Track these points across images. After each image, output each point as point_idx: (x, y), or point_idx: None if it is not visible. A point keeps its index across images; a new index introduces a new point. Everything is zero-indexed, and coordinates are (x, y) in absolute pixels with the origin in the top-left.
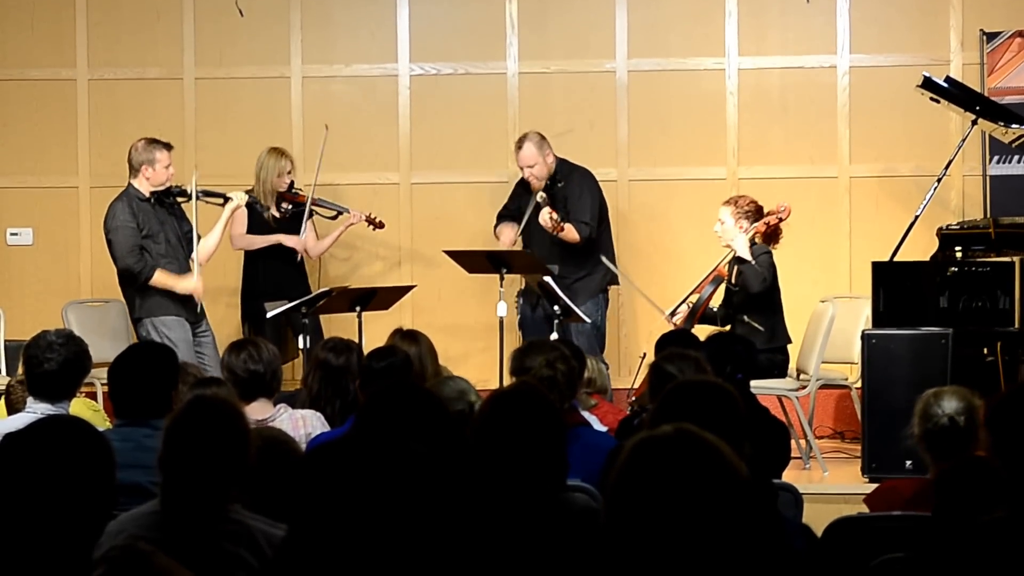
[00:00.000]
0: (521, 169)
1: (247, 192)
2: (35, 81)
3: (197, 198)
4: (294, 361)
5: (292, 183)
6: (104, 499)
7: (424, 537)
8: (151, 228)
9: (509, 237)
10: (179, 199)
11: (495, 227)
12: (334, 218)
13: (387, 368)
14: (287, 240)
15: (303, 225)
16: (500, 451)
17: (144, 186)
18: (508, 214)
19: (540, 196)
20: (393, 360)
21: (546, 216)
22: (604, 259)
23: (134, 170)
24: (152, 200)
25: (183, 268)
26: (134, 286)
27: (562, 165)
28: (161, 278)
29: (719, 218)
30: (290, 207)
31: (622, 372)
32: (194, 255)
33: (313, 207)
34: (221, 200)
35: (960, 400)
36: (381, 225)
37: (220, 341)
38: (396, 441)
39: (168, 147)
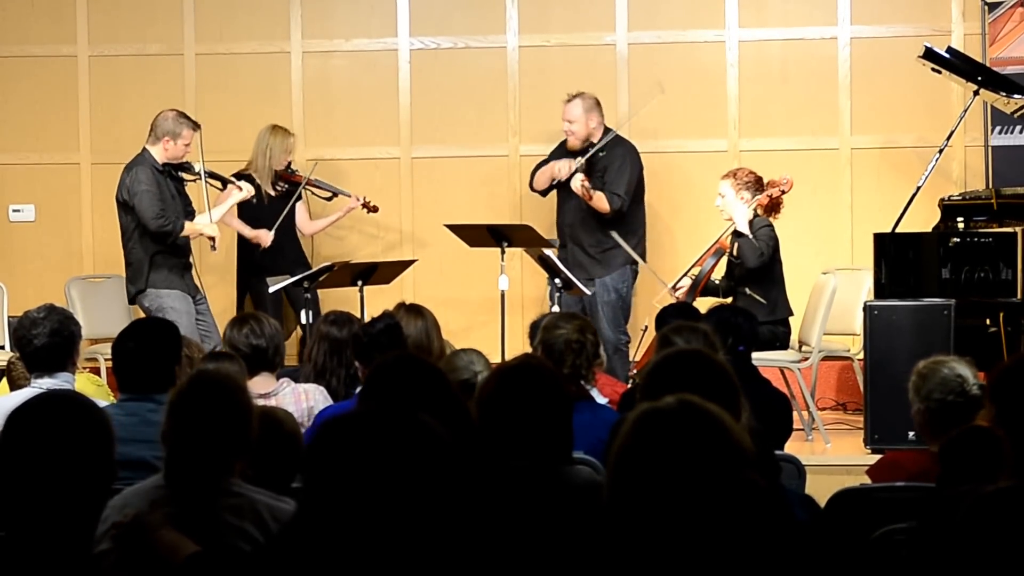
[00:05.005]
0: (564, 123)
1: (246, 176)
2: (36, 58)
3: (204, 179)
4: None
5: (290, 163)
6: (103, 472)
7: (432, 511)
8: (164, 198)
9: (564, 167)
10: (185, 176)
11: (533, 174)
12: (329, 199)
13: (383, 331)
14: (245, 231)
15: (289, 204)
16: (506, 425)
17: (160, 155)
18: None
19: (579, 163)
20: (389, 322)
21: (578, 183)
22: (615, 234)
23: (155, 137)
24: (164, 171)
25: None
26: (166, 243)
27: (610, 136)
28: (190, 227)
29: (719, 192)
30: (286, 186)
31: None
32: (208, 214)
33: (309, 187)
34: (221, 185)
35: (968, 366)
36: (375, 209)
37: (216, 316)
38: (412, 416)
39: (196, 127)
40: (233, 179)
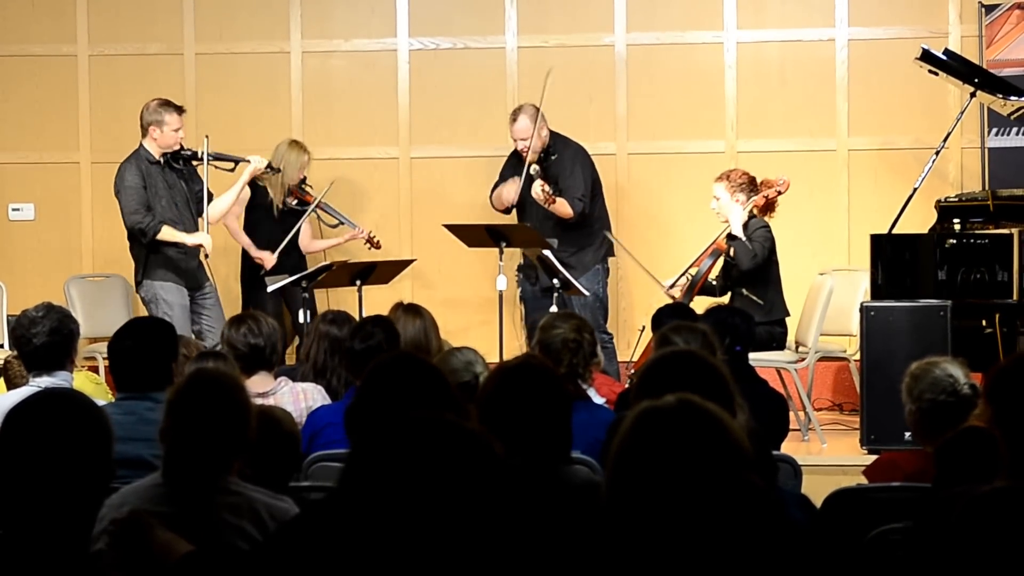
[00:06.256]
0: (515, 141)
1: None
2: (36, 57)
3: (208, 161)
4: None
5: (305, 179)
6: (101, 470)
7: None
8: (158, 191)
9: (511, 191)
10: (191, 161)
11: (491, 196)
12: (335, 227)
13: (368, 350)
14: (251, 251)
15: (297, 226)
16: (506, 424)
17: (153, 147)
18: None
19: (533, 169)
20: (371, 343)
21: (538, 189)
22: (608, 234)
23: (143, 130)
24: (162, 162)
25: (191, 230)
26: (143, 243)
27: (556, 139)
28: (169, 233)
29: (714, 195)
30: (295, 202)
31: (620, 345)
32: (204, 213)
33: (318, 210)
34: (232, 165)
35: (960, 367)
36: (379, 245)
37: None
38: (472, 429)
39: (180, 110)
40: (242, 156)
